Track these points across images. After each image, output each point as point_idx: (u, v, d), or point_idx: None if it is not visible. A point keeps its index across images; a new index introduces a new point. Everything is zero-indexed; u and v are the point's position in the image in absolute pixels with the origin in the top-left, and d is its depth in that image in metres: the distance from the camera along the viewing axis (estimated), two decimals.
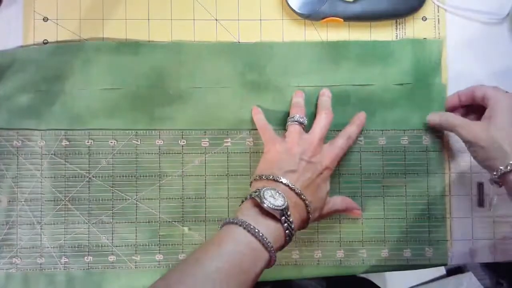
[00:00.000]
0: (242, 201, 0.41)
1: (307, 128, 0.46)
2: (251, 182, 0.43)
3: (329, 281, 0.56)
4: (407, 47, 0.49)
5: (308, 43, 0.49)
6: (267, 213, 0.38)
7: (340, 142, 0.46)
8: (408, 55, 0.49)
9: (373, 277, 0.61)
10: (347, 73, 0.49)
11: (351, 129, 0.47)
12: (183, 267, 0.35)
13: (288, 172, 0.42)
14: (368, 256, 0.48)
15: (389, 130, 0.49)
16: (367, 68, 0.49)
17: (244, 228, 0.37)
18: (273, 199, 0.38)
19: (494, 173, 0.43)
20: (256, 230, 0.37)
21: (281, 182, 0.41)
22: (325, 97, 0.48)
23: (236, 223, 0.38)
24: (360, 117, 0.48)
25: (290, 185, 0.40)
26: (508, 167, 0.42)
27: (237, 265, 0.35)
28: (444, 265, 0.50)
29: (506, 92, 0.45)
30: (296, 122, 0.45)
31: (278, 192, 0.39)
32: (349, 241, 0.49)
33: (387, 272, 0.51)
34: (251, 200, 0.40)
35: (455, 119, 0.46)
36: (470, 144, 0.44)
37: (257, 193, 0.39)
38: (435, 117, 0.48)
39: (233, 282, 0.35)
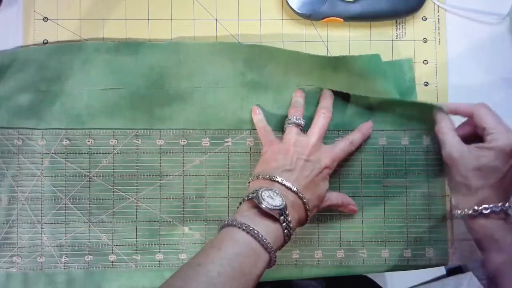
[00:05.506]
0: (240, 203, 0.41)
1: (307, 127, 0.46)
2: (249, 182, 0.44)
3: (329, 281, 0.56)
4: (384, 68, 0.47)
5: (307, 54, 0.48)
6: (265, 214, 0.38)
7: (341, 145, 0.46)
8: (385, 76, 0.47)
9: (373, 277, 0.61)
10: (346, 83, 0.48)
11: (355, 135, 0.47)
12: (185, 272, 0.35)
13: (285, 171, 0.42)
14: (369, 256, 0.48)
15: (389, 130, 0.49)
16: (364, 81, 0.47)
17: (243, 230, 0.37)
18: (271, 199, 0.38)
19: (459, 211, 0.43)
20: (256, 232, 0.37)
21: (277, 181, 0.41)
22: (327, 99, 0.47)
23: (235, 225, 0.37)
24: (366, 126, 0.48)
25: (286, 184, 0.40)
26: (471, 211, 0.42)
27: (238, 268, 0.35)
28: (445, 265, 0.50)
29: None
30: (293, 124, 0.45)
31: (275, 192, 0.39)
32: (350, 241, 0.48)
33: (387, 272, 0.51)
34: (249, 201, 0.40)
35: (443, 134, 0.44)
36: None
37: (254, 194, 0.39)
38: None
39: (235, 285, 0.35)
